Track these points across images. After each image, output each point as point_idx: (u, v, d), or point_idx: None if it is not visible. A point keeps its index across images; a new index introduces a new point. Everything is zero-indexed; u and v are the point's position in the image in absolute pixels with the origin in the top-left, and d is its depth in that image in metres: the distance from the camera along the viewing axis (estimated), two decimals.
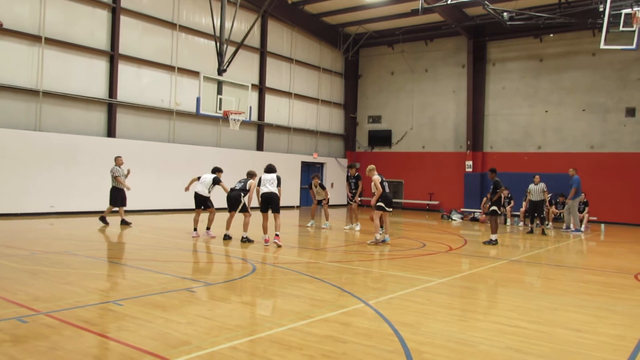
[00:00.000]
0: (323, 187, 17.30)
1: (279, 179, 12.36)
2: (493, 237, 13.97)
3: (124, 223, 15.32)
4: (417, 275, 9.06)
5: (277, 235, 12.06)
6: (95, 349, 4.87)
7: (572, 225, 18.29)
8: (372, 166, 13.55)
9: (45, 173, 16.08)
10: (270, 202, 12.16)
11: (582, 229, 18.69)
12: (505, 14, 21.29)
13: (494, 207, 14.19)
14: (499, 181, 14.30)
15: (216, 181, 13.35)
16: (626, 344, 5.44)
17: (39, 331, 5.20)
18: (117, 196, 15.33)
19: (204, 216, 13.60)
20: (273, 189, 12.17)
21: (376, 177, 13.07)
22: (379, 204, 13.01)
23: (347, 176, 17.35)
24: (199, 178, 13.64)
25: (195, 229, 13.45)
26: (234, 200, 12.79)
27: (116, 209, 15.44)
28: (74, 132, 18.55)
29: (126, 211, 19.35)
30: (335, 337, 5.29)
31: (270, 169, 12.51)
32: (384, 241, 13.13)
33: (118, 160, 15.57)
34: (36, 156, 16.84)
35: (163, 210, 20.57)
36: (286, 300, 7.08)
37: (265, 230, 12.30)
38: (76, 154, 17.71)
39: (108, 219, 15.37)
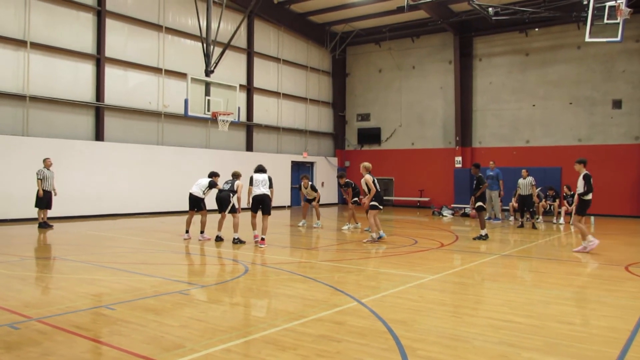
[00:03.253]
0: (314, 189, 17.29)
1: (270, 179, 12.40)
2: (482, 232, 14.02)
3: (45, 226, 15.34)
4: (409, 272, 9.08)
5: (262, 239, 12.10)
6: (88, 354, 4.84)
7: (499, 215, 20.02)
8: (368, 165, 13.46)
9: (33, 178, 15.92)
10: (261, 204, 12.20)
11: (500, 217, 20.12)
12: (490, 9, 21.36)
13: (480, 203, 14.25)
14: (482, 176, 14.43)
15: (212, 185, 13.35)
16: (618, 335, 5.47)
17: (31, 337, 5.16)
18: (43, 198, 15.37)
19: (196, 219, 13.57)
20: (265, 190, 12.21)
21: (368, 177, 13.08)
22: (373, 203, 13.08)
23: (339, 183, 17.47)
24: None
25: (187, 231, 13.41)
26: (224, 201, 12.84)
27: (46, 210, 15.62)
28: (62, 136, 18.45)
29: (118, 215, 19.34)
30: (329, 336, 5.29)
31: (261, 169, 12.56)
32: (379, 238, 13.20)
33: (46, 162, 15.63)
34: (24, 161, 16.71)
35: (152, 213, 20.50)
36: (279, 300, 7.07)
37: (254, 227, 12.48)
38: (64, 158, 17.59)
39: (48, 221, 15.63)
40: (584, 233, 11.73)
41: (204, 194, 13.39)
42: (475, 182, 14.49)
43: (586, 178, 11.73)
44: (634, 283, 8.44)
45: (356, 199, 16.78)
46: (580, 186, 11.83)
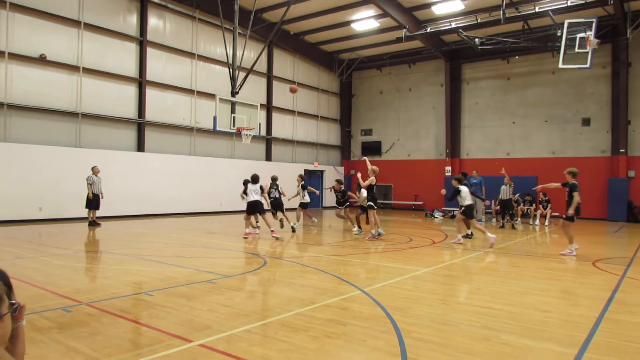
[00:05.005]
0: (304, 188, 16.57)
1: (261, 188, 13.24)
2: (469, 231, 14.01)
3: (94, 224, 15.40)
4: (405, 266, 9.05)
5: (272, 230, 12.83)
6: (130, 333, 4.87)
7: (481, 216, 19.76)
8: (376, 170, 13.27)
9: (84, 183, 16.04)
10: (255, 208, 13.10)
11: (482, 218, 19.79)
12: (476, 39, 21.35)
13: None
14: (458, 188, 14.48)
15: (261, 189, 13.50)
16: (586, 322, 5.44)
17: (81, 319, 5.21)
18: (92, 200, 15.49)
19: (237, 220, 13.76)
20: (258, 197, 13.05)
21: (372, 178, 13.03)
22: (369, 203, 13.10)
23: (334, 189, 16.43)
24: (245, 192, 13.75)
25: (249, 227, 13.58)
26: (280, 205, 14.00)
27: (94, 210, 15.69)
28: (108, 147, 18.59)
29: (156, 215, 19.44)
30: (336, 320, 5.29)
31: (255, 180, 13.23)
32: (379, 235, 13.19)
33: (94, 169, 15.74)
34: (76, 169, 16.84)
35: (186, 214, 20.57)
36: (293, 289, 7.07)
37: (247, 225, 13.40)
38: (110, 166, 17.72)
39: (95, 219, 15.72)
40: (460, 230, 13.19)
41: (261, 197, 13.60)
42: (452, 191, 14.63)
43: (455, 191, 13.05)
44: (600, 276, 8.37)
45: (347, 203, 16.27)
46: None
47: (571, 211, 10.81)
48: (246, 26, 18.67)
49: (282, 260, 9.75)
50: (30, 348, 4.23)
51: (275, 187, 13.75)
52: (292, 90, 14.11)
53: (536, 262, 10.02)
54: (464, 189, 12.89)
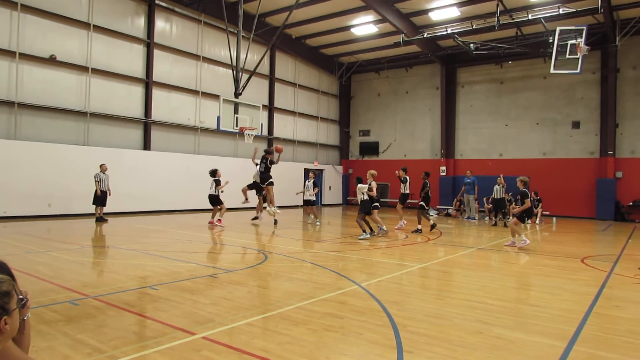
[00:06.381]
0: (315, 185, 17.01)
1: (215, 182, 14.95)
2: (419, 226, 14.52)
3: (101, 220, 15.35)
4: (401, 262, 9.04)
5: (219, 219, 14.77)
6: (135, 326, 4.86)
7: (474, 215, 20.29)
8: (375, 174, 13.38)
9: (92, 181, 15.99)
10: (210, 200, 15.09)
11: (476, 217, 20.35)
12: (471, 45, 21.32)
13: (422, 203, 15.03)
14: (426, 183, 15.28)
15: (217, 182, 15.41)
16: (575, 316, 5.43)
17: (88, 312, 5.19)
18: (100, 197, 15.40)
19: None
20: (212, 191, 14.98)
21: (374, 183, 13.06)
22: (375, 204, 13.13)
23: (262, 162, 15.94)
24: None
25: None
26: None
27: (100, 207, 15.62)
28: (116, 146, 18.56)
29: (161, 211, 19.40)
30: (334, 314, 5.28)
31: (211, 174, 15.14)
32: (382, 230, 13.39)
33: (102, 167, 15.65)
34: (84, 167, 16.79)
35: (190, 210, 20.54)
36: (293, 283, 7.05)
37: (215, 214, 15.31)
38: (118, 164, 17.67)
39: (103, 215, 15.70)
40: (381, 223, 13.50)
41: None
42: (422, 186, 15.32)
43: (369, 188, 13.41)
44: (588, 273, 8.37)
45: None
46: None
47: (517, 210, 11.93)
48: (250, 30, 18.65)
49: (282, 255, 9.73)
50: (38, 340, 4.21)
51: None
52: (278, 150, 15.58)
53: (527, 258, 10.01)
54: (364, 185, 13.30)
